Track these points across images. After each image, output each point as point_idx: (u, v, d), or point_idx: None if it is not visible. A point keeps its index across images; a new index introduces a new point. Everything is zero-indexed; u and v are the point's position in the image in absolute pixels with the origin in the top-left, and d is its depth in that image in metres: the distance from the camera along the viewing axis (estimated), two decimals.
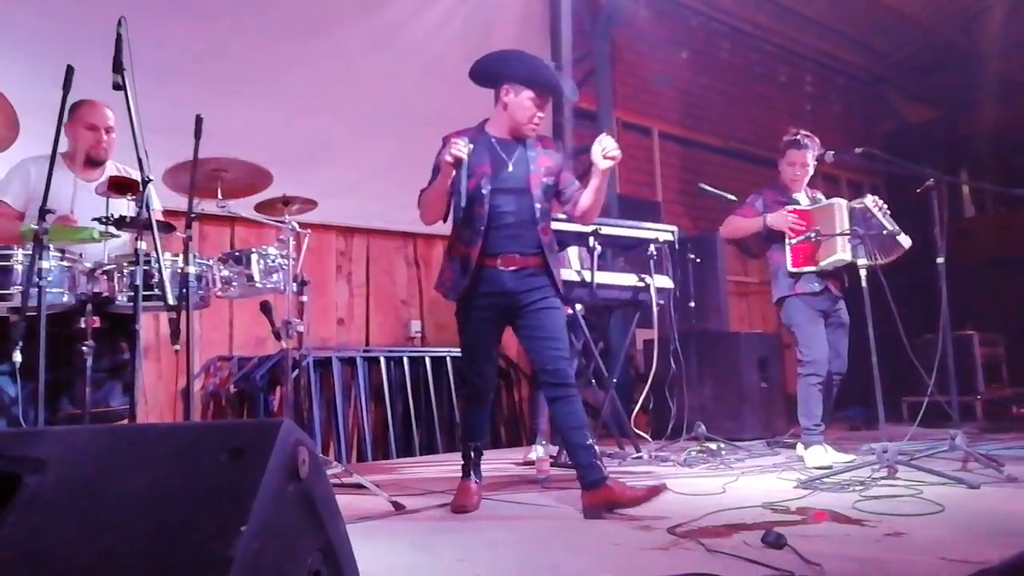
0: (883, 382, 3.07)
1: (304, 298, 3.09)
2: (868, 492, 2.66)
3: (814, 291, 3.64)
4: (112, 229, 2.48)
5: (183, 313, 2.35)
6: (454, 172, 2.58)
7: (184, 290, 2.41)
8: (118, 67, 2.23)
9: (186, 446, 1.10)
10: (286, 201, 3.05)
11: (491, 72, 2.73)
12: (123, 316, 2.68)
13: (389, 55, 4.90)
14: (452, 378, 4.77)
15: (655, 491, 2.38)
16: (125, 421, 2.64)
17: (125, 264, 2.61)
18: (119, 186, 2.49)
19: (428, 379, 4.67)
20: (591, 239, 3.59)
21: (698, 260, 4.71)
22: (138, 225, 2.37)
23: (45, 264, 2.27)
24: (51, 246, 2.37)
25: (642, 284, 3.79)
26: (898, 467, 2.91)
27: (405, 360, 4.63)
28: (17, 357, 2.22)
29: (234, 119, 3.98)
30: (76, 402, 2.65)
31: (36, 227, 2.24)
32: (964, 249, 5.99)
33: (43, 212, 2.25)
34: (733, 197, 4.24)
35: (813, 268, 3.61)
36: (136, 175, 2.37)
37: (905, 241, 3.51)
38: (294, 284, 3.00)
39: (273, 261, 2.96)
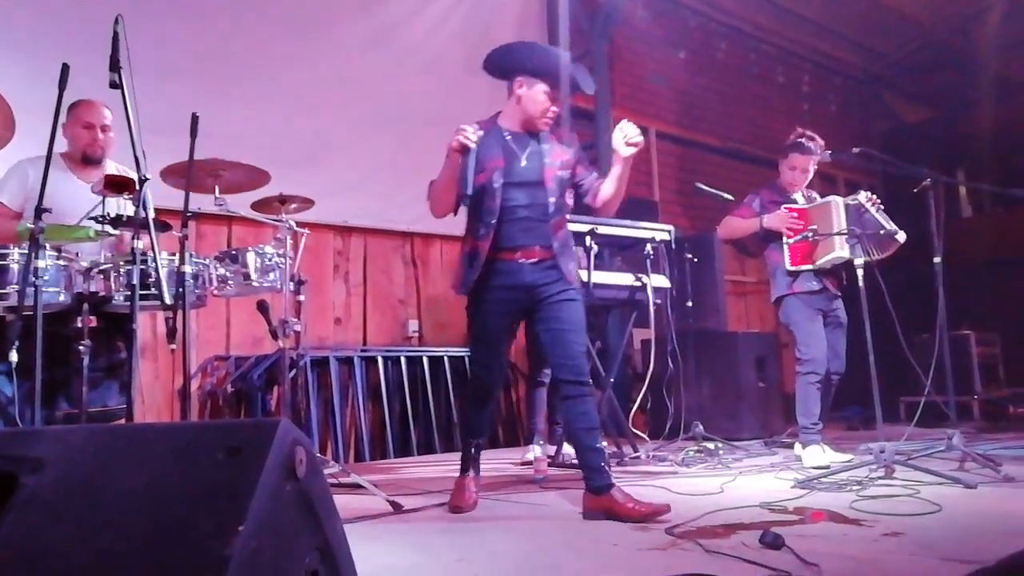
0: (880, 382, 3.07)
1: (301, 297, 3.09)
2: (865, 492, 2.67)
3: (812, 290, 3.64)
4: (108, 228, 2.48)
5: (180, 312, 2.35)
6: (460, 160, 2.51)
7: (180, 289, 2.41)
8: (115, 66, 2.23)
9: (183, 445, 1.10)
10: (283, 200, 3.05)
11: (504, 64, 2.67)
12: (120, 315, 2.68)
13: (388, 54, 4.90)
14: (450, 377, 4.77)
15: (658, 511, 2.32)
16: (122, 421, 2.63)
17: (122, 263, 2.60)
18: (115, 185, 2.48)
19: (426, 379, 4.67)
20: (588, 238, 3.59)
21: (695, 259, 4.72)
22: (135, 224, 2.37)
23: (41, 263, 2.27)
24: (47, 245, 2.37)
25: (639, 284, 3.79)
26: (895, 467, 2.91)
27: (402, 360, 4.62)
28: (13, 357, 2.21)
29: (232, 118, 3.97)
30: (73, 402, 2.64)
31: (32, 226, 2.23)
32: (961, 249, 5.99)
33: (39, 211, 2.24)
34: (730, 197, 4.24)
35: (811, 267, 3.62)
36: (134, 175, 2.37)
37: (900, 236, 3.51)
38: (291, 283, 3.00)
39: (270, 260, 2.96)
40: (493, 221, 2.54)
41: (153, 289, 2.53)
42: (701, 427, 4.27)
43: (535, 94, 2.59)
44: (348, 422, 4.42)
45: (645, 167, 6.51)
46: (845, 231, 3.39)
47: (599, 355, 4.26)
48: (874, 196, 3.62)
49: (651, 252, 3.82)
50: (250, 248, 2.97)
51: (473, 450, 2.75)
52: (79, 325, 2.50)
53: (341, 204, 4.54)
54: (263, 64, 4.34)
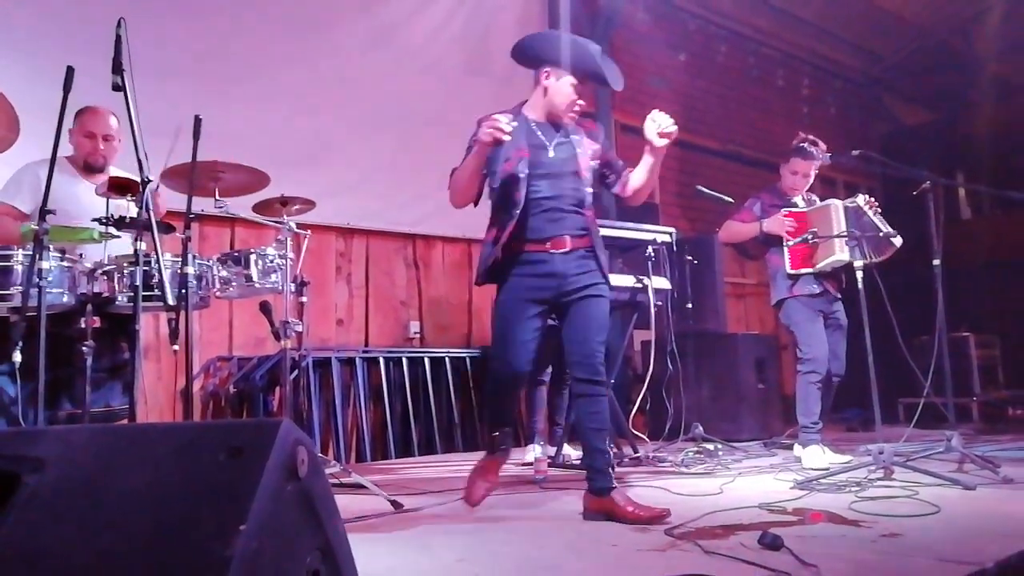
0: (879, 384, 3.08)
1: (303, 299, 3.10)
2: (864, 493, 2.67)
3: (813, 293, 3.65)
4: (112, 230, 2.49)
5: (182, 313, 2.36)
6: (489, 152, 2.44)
7: (183, 290, 2.42)
8: (117, 68, 2.24)
9: (185, 446, 1.11)
10: (284, 201, 3.06)
11: (532, 53, 2.61)
12: (123, 316, 2.69)
13: (388, 55, 4.91)
14: (451, 378, 4.78)
15: (658, 516, 2.31)
16: (125, 421, 2.64)
17: (125, 264, 2.62)
18: (119, 187, 2.50)
19: (427, 379, 4.68)
20: None
21: (695, 262, 4.72)
22: (138, 226, 2.38)
23: (45, 264, 2.28)
24: (51, 246, 2.38)
25: (640, 285, 3.80)
26: (894, 468, 2.92)
27: (404, 361, 4.63)
28: (17, 357, 2.22)
29: (233, 119, 3.98)
30: (76, 402, 2.66)
31: (36, 227, 2.25)
32: (960, 251, 6.00)
33: (43, 213, 2.26)
34: (730, 199, 4.25)
35: (811, 270, 3.62)
36: (136, 178, 2.38)
37: (896, 241, 3.53)
38: (293, 285, 3.01)
39: (271, 261, 2.97)
40: (516, 211, 2.45)
41: (156, 290, 2.54)
42: (701, 428, 4.27)
43: (562, 86, 2.54)
44: (350, 422, 4.43)
45: None
46: (845, 234, 3.39)
47: None
48: (872, 199, 3.63)
49: (652, 254, 3.83)
50: (252, 250, 2.98)
51: (498, 438, 2.60)
52: (83, 326, 2.52)
53: (343, 205, 4.55)
54: (263, 65, 4.35)
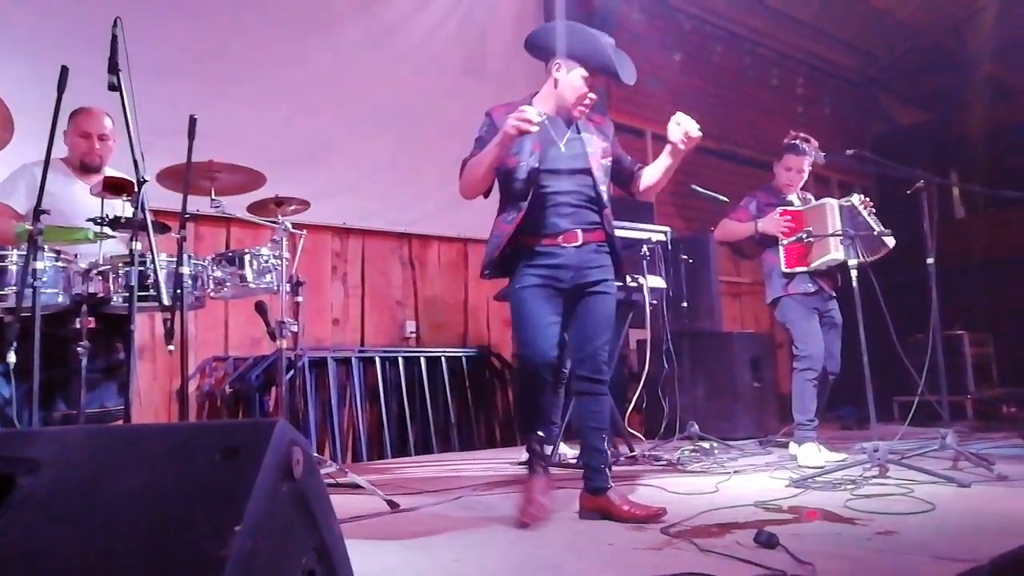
0: (874, 382, 3.09)
1: (299, 298, 3.10)
2: (859, 491, 2.68)
3: (808, 291, 3.67)
4: (107, 230, 2.49)
5: (178, 313, 2.36)
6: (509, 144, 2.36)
7: (179, 291, 2.41)
8: (114, 68, 2.24)
9: (180, 446, 1.11)
10: (279, 201, 3.06)
11: (544, 44, 2.54)
12: (118, 317, 2.69)
13: (385, 55, 4.91)
14: (447, 378, 4.78)
15: (654, 515, 2.31)
16: (120, 422, 2.63)
17: (120, 265, 2.61)
18: (114, 187, 2.50)
19: (423, 379, 4.68)
20: None
21: (691, 260, 4.73)
22: (133, 226, 2.38)
23: (40, 265, 2.27)
24: (46, 247, 2.38)
25: (635, 284, 3.80)
26: (889, 466, 2.93)
27: (400, 360, 4.63)
28: (11, 358, 2.21)
29: (230, 119, 3.98)
30: (71, 403, 2.65)
31: (31, 228, 2.24)
32: (954, 250, 6.02)
33: (37, 213, 2.25)
34: (725, 199, 4.27)
35: (806, 269, 3.64)
36: (132, 178, 2.38)
37: (889, 241, 3.54)
38: (288, 285, 3.01)
39: (266, 261, 2.97)
40: (524, 204, 2.40)
41: (151, 291, 2.54)
42: (696, 427, 4.28)
43: (572, 79, 2.46)
44: (346, 422, 4.43)
45: None
46: (840, 232, 3.41)
47: None
48: (867, 199, 3.65)
49: (647, 253, 3.83)
50: (247, 250, 2.98)
51: (536, 444, 2.45)
52: (77, 326, 2.51)
53: (339, 205, 4.55)
54: (261, 65, 4.35)
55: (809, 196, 3.93)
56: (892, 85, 8.69)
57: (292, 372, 3.72)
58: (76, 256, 2.63)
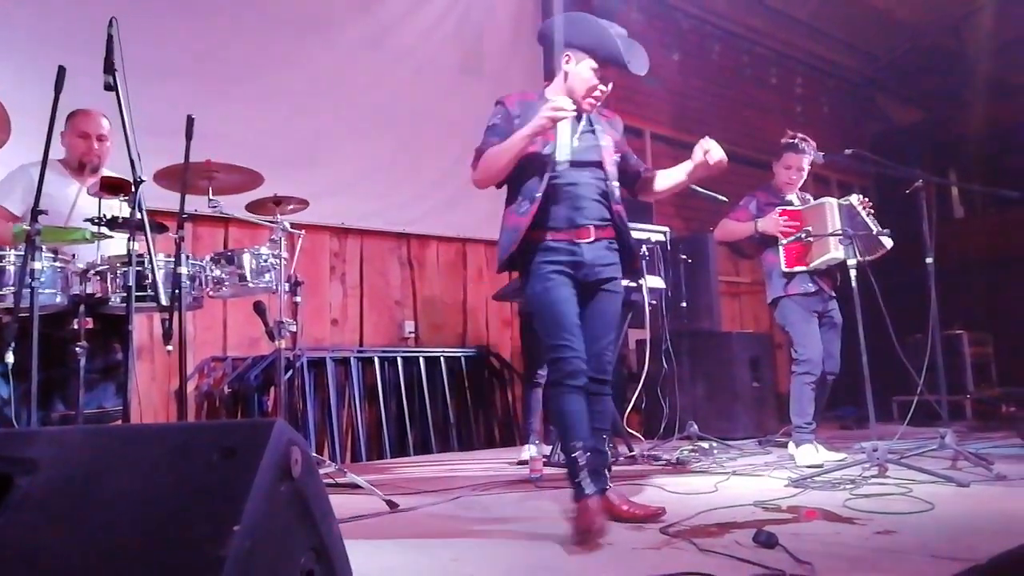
0: (873, 381, 3.09)
1: (298, 298, 3.09)
2: (859, 490, 2.68)
3: (808, 291, 3.67)
4: (104, 230, 2.48)
5: (176, 314, 2.35)
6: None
7: (177, 291, 2.41)
8: (109, 68, 2.23)
9: (178, 446, 1.10)
10: (277, 201, 3.06)
11: (554, 36, 2.49)
12: (116, 317, 2.68)
13: (384, 55, 4.91)
14: (446, 378, 4.78)
15: (653, 515, 2.30)
16: (118, 422, 2.63)
17: (118, 265, 2.61)
18: (111, 187, 2.50)
19: (422, 379, 4.67)
20: None
21: (690, 260, 4.74)
22: (130, 226, 2.37)
23: (37, 265, 2.27)
24: (43, 247, 2.37)
25: (634, 284, 3.80)
26: (888, 466, 2.93)
27: (399, 360, 4.63)
28: (9, 358, 2.21)
29: (228, 119, 3.98)
30: (69, 403, 2.65)
31: (28, 228, 2.24)
32: (953, 249, 6.02)
33: (35, 213, 2.25)
34: (724, 198, 4.26)
35: (806, 268, 3.64)
36: (129, 178, 2.38)
37: (887, 242, 3.55)
38: (287, 284, 3.00)
39: (265, 261, 2.96)
40: (538, 195, 2.35)
41: (149, 291, 2.53)
42: (695, 426, 4.28)
43: (581, 70, 2.40)
44: (345, 422, 4.42)
45: None
46: (839, 232, 3.40)
47: None
48: (865, 199, 3.66)
49: (646, 253, 3.83)
50: (246, 249, 2.97)
51: (581, 460, 2.24)
52: (75, 327, 2.51)
53: (338, 205, 4.55)
54: (259, 64, 4.34)
55: (808, 196, 3.93)
56: (891, 84, 8.70)
57: (291, 372, 3.72)
58: (74, 256, 2.63)
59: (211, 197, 2.85)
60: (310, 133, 4.47)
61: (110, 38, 2.25)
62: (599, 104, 2.48)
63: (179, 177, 2.59)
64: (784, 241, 3.65)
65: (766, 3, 7.22)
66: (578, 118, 2.44)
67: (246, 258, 2.93)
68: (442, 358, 4.81)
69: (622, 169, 2.59)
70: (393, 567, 1.92)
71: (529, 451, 3.69)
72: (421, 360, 4.71)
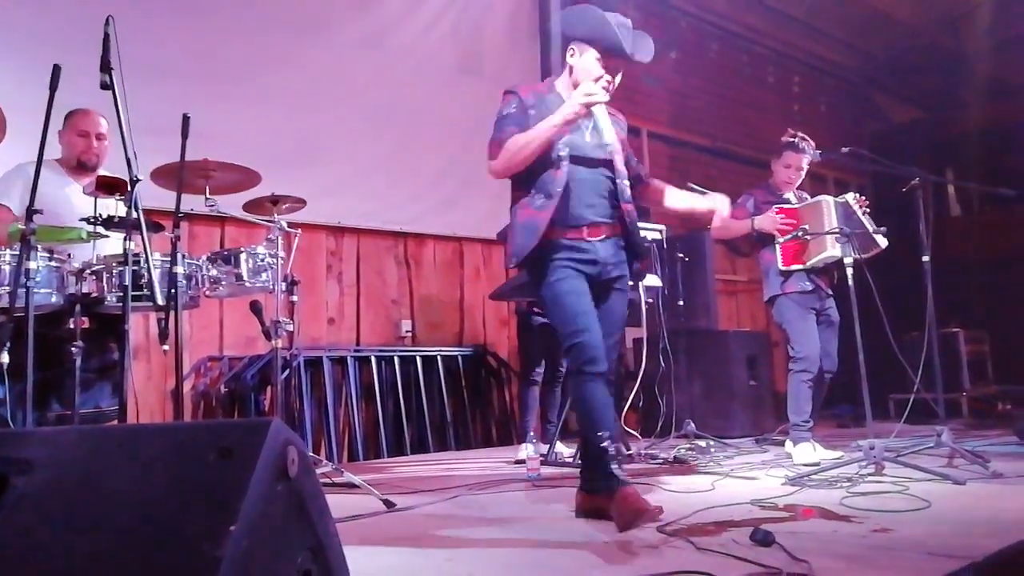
0: (870, 379, 3.09)
1: (294, 298, 3.09)
2: (855, 489, 2.68)
3: (805, 290, 3.67)
4: (100, 229, 2.48)
5: (172, 313, 2.35)
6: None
7: (173, 290, 2.41)
8: (106, 66, 2.23)
9: (175, 446, 1.10)
10: (274, 200, 3.05)
11: (561, 30, 2.49)
12: (112, 316, 2.68)
13: (382, 54, 4.90)
14: (443, 377, 4.78)
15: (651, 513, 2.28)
16: (114, 422, 2.63)
17: (114, 264, 2.60)
18: (107, 186, 2.49)
19: (419, 378, 4.67)
20: None
21: (686, 259, 4.74)
22: (126, 225, 2.37)
23: (33, 264, 2.26)
24: (39, 246, 2.37)
25: (631, 283, 3.80)
26: (885, 464, 2.93)
27: (396, 359, 4.63)
28: (4, 358, 2.21)
29: (225, 118, 3.97)
30: (65, 403, 2.64)
31: (24, 227, 2.23)
32: (949, 248, 6.04)
33: (30, 212, 2.24)
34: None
35: (803, 266, 3.64)
36: (125, 178, 2.37)
37: (882, 241, 3.56)
38: (283, 283, 3.00)
39: (262, 260, 2.96)
40: (558, 190, 2.31)
41: (145, 290, 2.53)
42: (692, 425, 4.29)
43: (585, 62, 2.37)
44: (342, 422, 4.42)
45: None
46: (836, 230, 3.41)
47: None
48: (861, 197, 3.67)
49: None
50: (242, 249, 2.97)
51: (611, 449, 2.21)
52: (71, 326, 2.50)
53: (334, 204, 4.54)
54: (256, 64, 4.34)
55: (805, 195, 3.93)
56: (888, 83, 8.71)
57: (287, 371, 3.71)
58: (69, 256, 2.62)
59: (208, 196, 2.84)
60: (308, 132, 4.46)
61: (107, 36, 2.24)
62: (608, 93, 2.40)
63: (175, 176, 2.58)
64: (781, 239, 3.65)
65: (764, 2, 7.23)
66: (587, 113, 2.36)
67: (243, 257, 2.93)
68: (439, 357, 4.81)
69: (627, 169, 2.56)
70: (390, 566, 1.91)
71: (526, 450, 3.69)
72: (418, 359, 4.71)
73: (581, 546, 2.06)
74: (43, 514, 1.07)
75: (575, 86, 2.38)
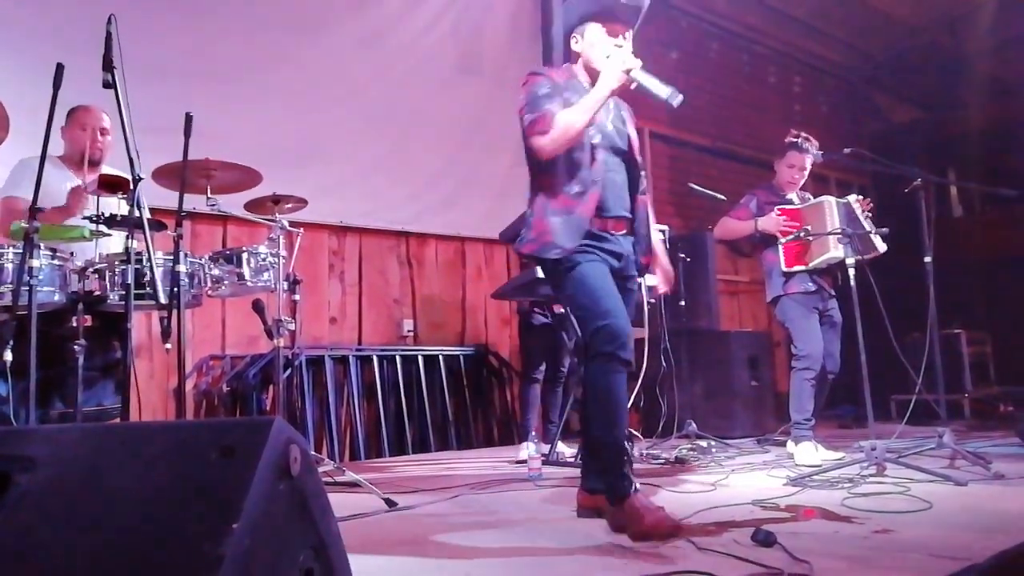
0: (871, 380, 3.09)
1: (296, 297, 3.09)
2: (857, 489, 2.68)
3: (808, 290, 3.67)
4: (103, 227, 2.48)
5: (174, 312, 2.35)
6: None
7: (175, 289, 2.41)
8: (108, 65, 2.23)
9: (177, 445, 1.10)
10: (276, 199, 3.06)
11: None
12: (115, 315, 2.68)
13: (383, 53, 4.90)
14: (445, 377, 4.78)
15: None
16: (117, 420, 2.63)
17: (117, 263, 2.61)
18: (110, 184, 2.50)
19: (420, 378, 4.67)
20: None
21: (688, 259, 4.74)
22: (129, 224, 2.37)
23: (36, 263, 2.27)
24: (42, 245, 2.37)
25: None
26: (886, 465, 2.93)
27: (398, 359, 4.63)
28: (8, 356, 2.22)
29: (227, 118, 3.98)
30: (68, 401, 2.65)
31: (27, 225, 2.24)
32: (951, 248, 6.01)
33: (33, 211, 2.25)
34: (723, 197, 4.27)
35: (806, 267, 3.64)
36: (128, 176, 2.38)
37: (880, 245, 3.56)
38: (286, 283, 3.00)
39: (264, 259, 2.96)
40: (597, 179, 2.23)
41: (148, 289, 2.53)
42: (694, 425, 4.29)
43: (591, 38, 2.29)
44: (343, 421, 4.42)
45: None
46: (838, 230, 3.41)
47: None
48: (862, 198, 3.68)
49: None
50: (244, 248, 2.97)
51: (627, 451, 2.11)
52: (74, 325, 2.51)
53: (336, 204, 4.54)
54: (258, 63, 4.34)
55: (808, 195, 3.93)
56: (889, 83, 8.70)
57: (289, 371, 3.72)
58: (72, 254, 2.63)
59: (210, 195, 2.84)
60: (309, 131, 4.47)
61: (109, 35, 2.25)
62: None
63: (178, 175, 2.59)
64: (783, 240, 3.65)
65: (765, 2, 7.22)
66: (628, 82, 2.26)
67: (245, 256, 2.93)
68: (441, 357, 4.81)
69: None
70: (391, 565, 1.92)
71: (527, 450, 3.69)
72: (420, 359, 4.71)
73: (582, 546, 2.06)
74: (45, 512, 1.07)
75: (589, 70, 2.32)
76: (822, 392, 3.72)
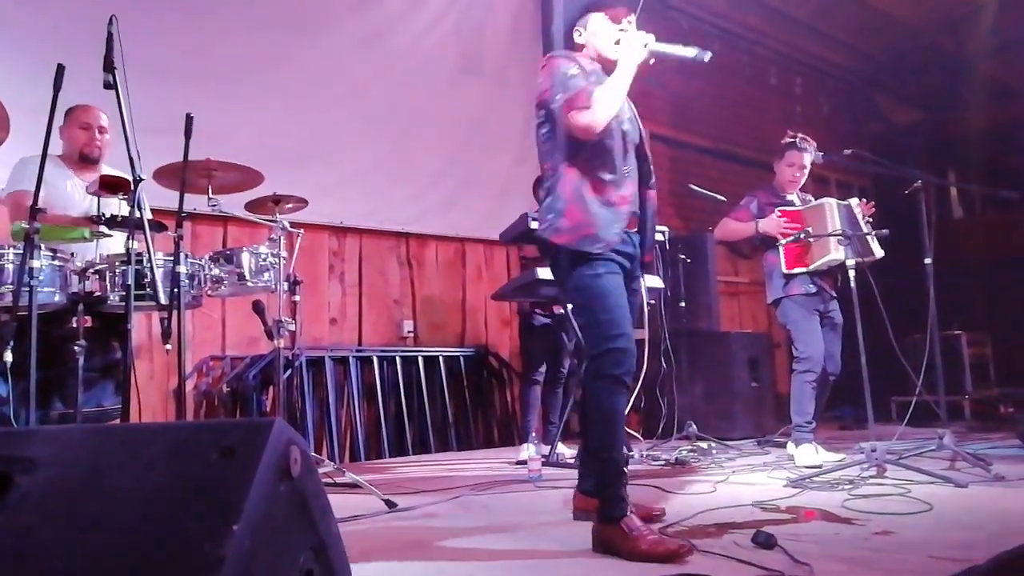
0: (872, 382, 3.09)
1: (296, 297, 3.09)
2: (857, 491, 2.68)
3: (809, 292, 3.67)
4: (104, 228, 2.48)
5: (175, 312, 2.35)
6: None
7: (176, 289, 2.41)
8: (109, 66, 2.23)
9: (177, 445, 1.10)
10: (276, 200, 3.06)
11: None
12: (115, 315, 2.68)
13: (382, 54, 4.91)
14: (445, 378, 4.78)
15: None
16: (117, 421, 2.63)
17: (117, 263, 2.61)
18: (110, 185, 2.50)
19: (420, 378, 4.67)
20: None
21: (688, 260, 4.74)
22: (130, 224, 2.37)
23: (36, 263, 2.27)
24: (42, 245, 2.37)
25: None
26: (887, 466, 2.93)
27: (398, 359, 4.63)
28: (8, 357, 2.21)
29: (227, 118, 3.98)
30: (68, 402, 2.65)
31: (27, 226, 2.24)
32: (952, 250, 6.02)
33: (34, 211, 2.25)
34: (723, 198, 4.27)
35: (806, 269, 3.64)
36: (128, 176, 2.38)
37: (878, 251, 3.56)
38: (286, 283, 3.00)
39: (264, 260, 2.96)
40: (627, 168, 2.15)
41: (148, 289, 2.53)
42: (694, 427, 4.29)
43: (593, 28, 2.24)
44: (343, 422, 4.42)
45: None
46: (839, 232, 3.41)
47: None
48: (864, 201, 3.68)
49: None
50: (244, 248, 2.97)
51: (625, 472, 2.06)
52: (74, 325, 2.51)
53: (336, 204, 4.55)
54: (259, 63, 4.34)
55: (809, 196, 3.93)
56: (890, 85, 8.71)
57: (289, 371, 3.72)
58: (73, 255, 2.63)
59: (210, 196, 2.85)
60: (310, 132, 4.47)
61: (110, 36, 2.25)
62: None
63: (178, 175, 2.59)
64: (783, 241, 3.65)
65: (765, 3, 7.22)
66: (650, 58, 2.19)
67: (245, 257, 2.93)
68: (441, 358, 4.81)
69: None
70: (391, 567, 1.91)
71: (528, 451, 3.69)
72: (420, 359, 4.71)
73: (583, 548, 2.05)
74: (46, 513, 1.07)
75: (600, 59, 2.25)
76: (823, 394, 3.72)
